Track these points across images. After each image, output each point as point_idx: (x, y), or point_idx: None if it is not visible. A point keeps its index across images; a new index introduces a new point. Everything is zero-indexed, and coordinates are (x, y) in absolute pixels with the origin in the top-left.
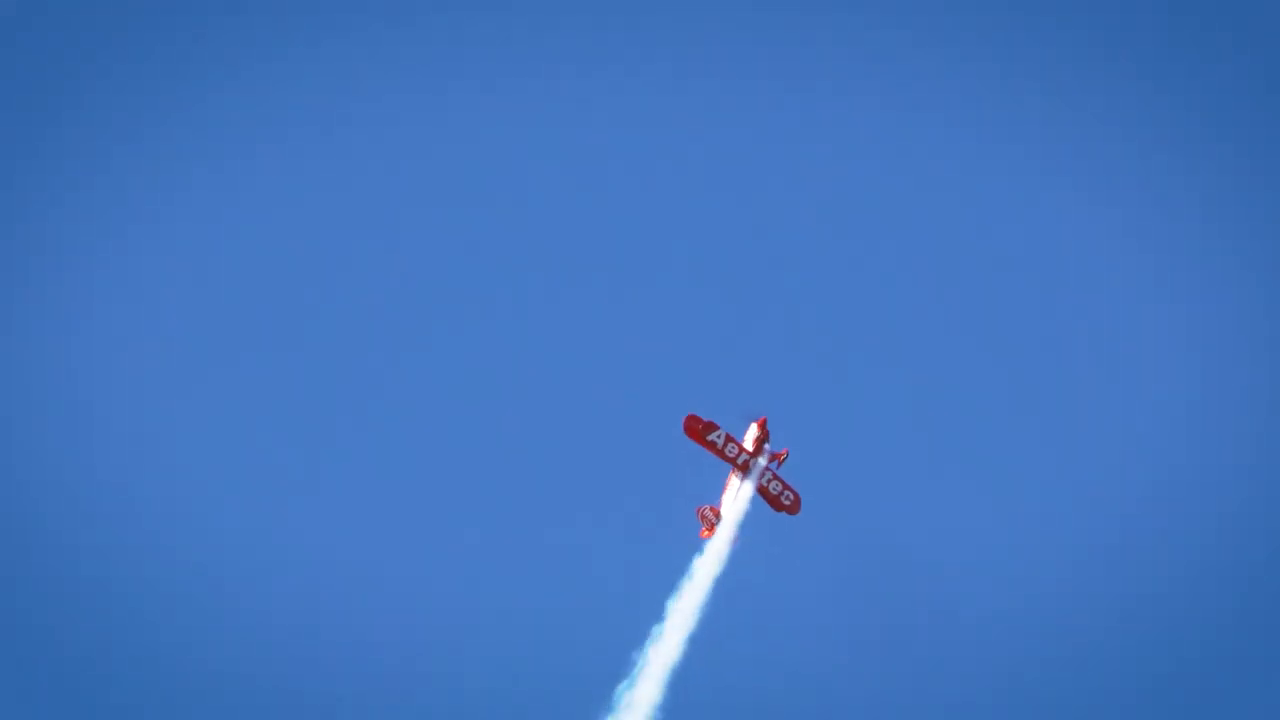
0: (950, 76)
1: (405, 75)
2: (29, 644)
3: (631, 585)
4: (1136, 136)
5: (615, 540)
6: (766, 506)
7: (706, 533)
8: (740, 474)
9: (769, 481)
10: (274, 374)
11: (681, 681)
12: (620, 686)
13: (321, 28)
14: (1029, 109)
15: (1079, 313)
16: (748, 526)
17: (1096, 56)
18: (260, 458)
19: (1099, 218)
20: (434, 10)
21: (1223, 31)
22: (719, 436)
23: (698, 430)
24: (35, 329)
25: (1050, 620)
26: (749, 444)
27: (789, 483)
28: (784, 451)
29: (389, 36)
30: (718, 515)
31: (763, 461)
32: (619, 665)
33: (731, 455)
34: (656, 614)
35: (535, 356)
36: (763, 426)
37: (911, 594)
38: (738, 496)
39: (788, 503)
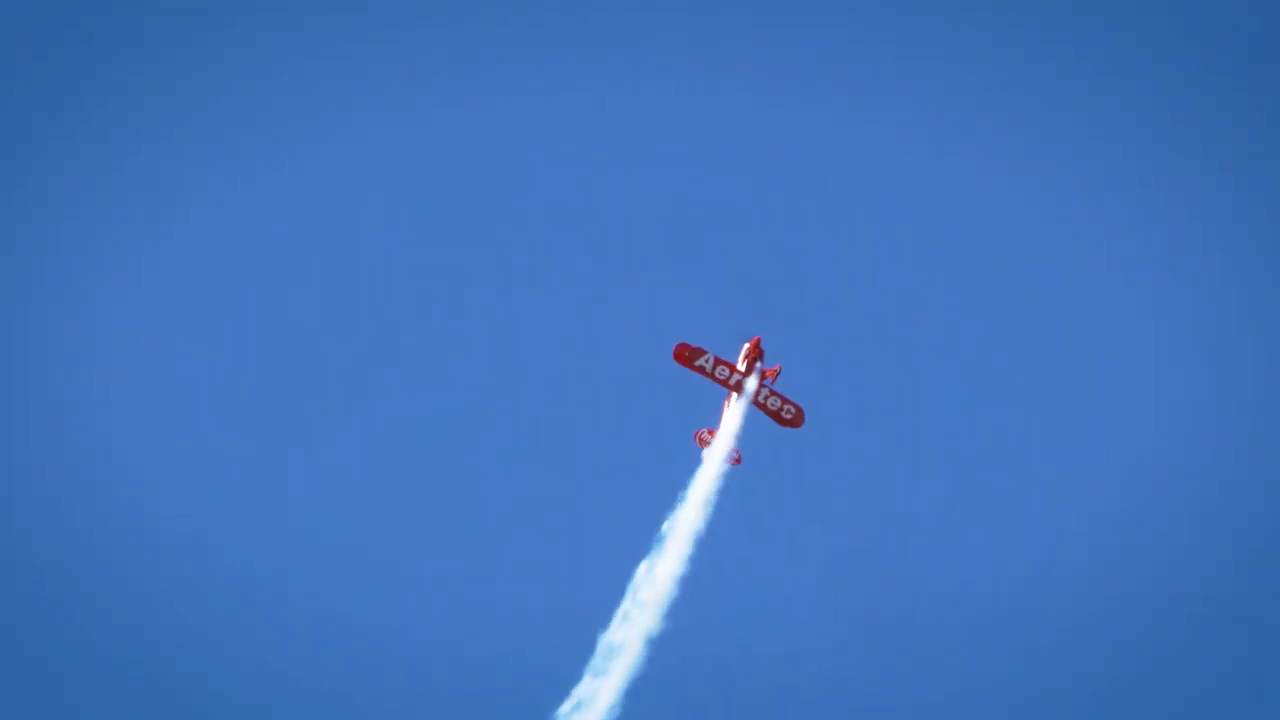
0: (946, 78)
1: (408, 77)
2: (32, 645)
3: (631, 514)
4: (1135, 136)
5: (615, 475)
6: (772, 424)
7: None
8: (736, 394)
9: (767, 399)
10: (274, 376)
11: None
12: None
13: (327, 31)
14: (1029, 109)
15: (1078, 310)
16: (755, 447)
17: (1091, 59)
18: (260, 459)
19: (1097, 217)
20: (440, 11)
21: (1219, 34)
22: (707, 360)
23: (686, 356)
24: (37, 332)
25: (1048, 618)
26: (740, 363)
27: (788, 397)
28: (777, 367)
29: (394, 39)
30: (714, 437)
31: (753, 380)
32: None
33: (723, 378)
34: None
35: (527, 338)
36: (756, 346)
37: (906, 590)
38: (731, 412)
39: (789, 417)
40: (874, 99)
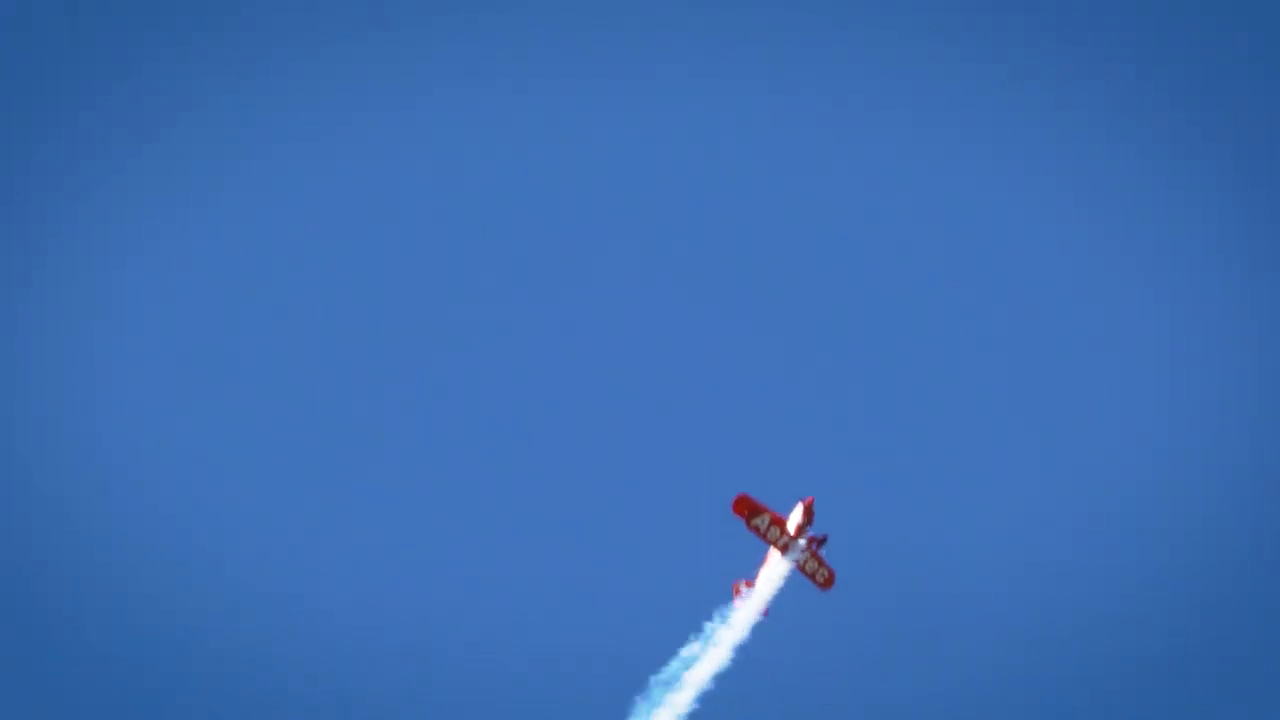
0: (944, 78)
1: (406, 78)
2: (28, 647)
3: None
4: (1131, 136)
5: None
6: (802, 579)
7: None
8: (780, 552)
9: (805, 561)
10: (293, 378)
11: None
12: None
13: (326, 31)
14: (1023, 110)
15: (1075, 313)
16: (779, 599)
17: (1089, 57)
18: (275, 466)
19: (1093, 218)
20: (437, 12)
21: (1218, 31)
22: (762, 521)
23: (745, 512)
24: (37, 333)
25: (1050, 620)
26: (795, 520)
27: (826, 561)
28: (824, 536)
29: (393, 40)
30: (751, 589)
31: (801, 544)
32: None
33: (773, 539)
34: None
35: (549, 365)
36: (809, 509)
37: (915, 592)
38: (773, 575)
39: (821, 580)
40: (873, 99)
